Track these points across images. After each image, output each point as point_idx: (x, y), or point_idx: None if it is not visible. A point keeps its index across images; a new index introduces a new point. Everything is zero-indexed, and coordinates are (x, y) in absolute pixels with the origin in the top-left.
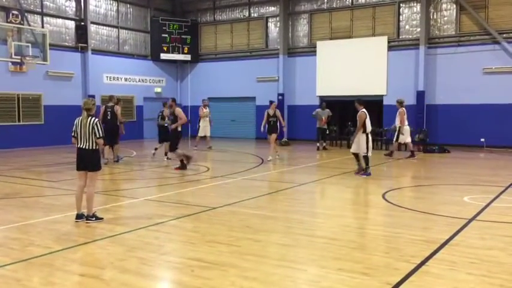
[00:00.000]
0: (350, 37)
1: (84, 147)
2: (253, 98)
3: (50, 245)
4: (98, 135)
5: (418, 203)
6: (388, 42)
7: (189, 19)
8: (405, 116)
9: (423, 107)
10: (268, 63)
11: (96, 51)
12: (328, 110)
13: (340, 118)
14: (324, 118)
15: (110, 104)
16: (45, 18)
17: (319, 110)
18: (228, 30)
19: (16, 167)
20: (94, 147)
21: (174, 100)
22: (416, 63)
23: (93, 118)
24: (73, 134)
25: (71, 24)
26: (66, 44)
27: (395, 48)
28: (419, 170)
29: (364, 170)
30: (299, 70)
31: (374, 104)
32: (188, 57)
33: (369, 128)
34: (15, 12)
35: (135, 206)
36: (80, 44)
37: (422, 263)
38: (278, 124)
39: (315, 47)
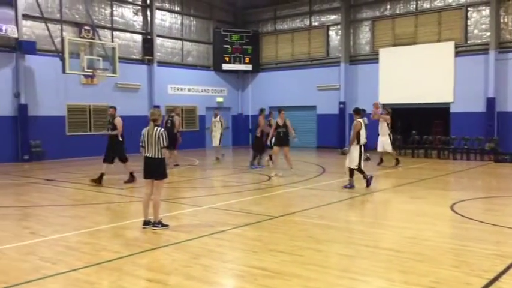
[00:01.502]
0: (414, 43)
1: (150, 156)
2: (313, 107)
3: (119, 250)
4: (162, 145)
5: (489, 215)
6: (455, 47)
7: (251, 29)
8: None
9: (493, 115)
10: (329, 71)
11: (161, 63)
12: (365, 118)
13: (405, 127)
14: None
15: (172, 114)
16: (114, 33)
17: None
18: (289, 40)
19: (88, 175)
20: (160, 156)
21: (115, 108)
22: (485, 68)
23: (160, 128)
24: (141, 144)
25: (138, 37)
26: (134, 56)
27: (463, 54)
28: (490, 181)
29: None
30: (361, 78)
31: (441, 112)
32: (249, 67)
33: (362, 139)
34: (87, 27)
35: (198, 214)
36: (146, 57)
37: (496, 278)
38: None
39: (377, 54)
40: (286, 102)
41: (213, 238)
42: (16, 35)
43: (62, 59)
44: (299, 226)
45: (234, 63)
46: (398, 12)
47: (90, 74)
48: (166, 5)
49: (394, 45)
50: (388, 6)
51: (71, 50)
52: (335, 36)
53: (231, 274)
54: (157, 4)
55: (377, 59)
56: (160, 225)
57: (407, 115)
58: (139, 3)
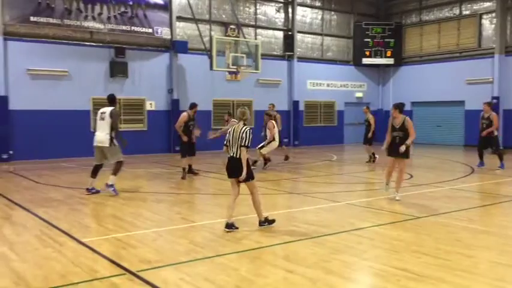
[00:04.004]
0: None
1: (233, 156)
2: (461, 102)
3: (259, 239)
4: (243, 143)
5: None
6: None
7: (393, 22)
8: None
9: None
10: (480, 63)
11: (301, 59)
12: None
13: None
14: None
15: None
16: (257, 31)
17: None
18: (435, 31)
19: None
20: (239, 156)
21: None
22: None
23: (246, 127)
24: (225, 143)
25: (280, 34)
26: (275, 53)
27: None
28: None
29: None
30: None
31: None
32: (391, 61)
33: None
34: (232, 26)
35: (336, 209)
36: (287, 53)
37: None
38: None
39: None
40: (430, 97)
41: (352, 234)
42: (169, 36)
43: (210, 57)
44: (445, 228)
45: (374, 57)
46: None
47: (235, 70)
48: (308, 0)
49: None
50: None
51: (217, 48)
52: (489, 25)
53: (371, 272)
54: (299, 0)
55: None
56: (266, 223)
57: None
58: (282, 0)
